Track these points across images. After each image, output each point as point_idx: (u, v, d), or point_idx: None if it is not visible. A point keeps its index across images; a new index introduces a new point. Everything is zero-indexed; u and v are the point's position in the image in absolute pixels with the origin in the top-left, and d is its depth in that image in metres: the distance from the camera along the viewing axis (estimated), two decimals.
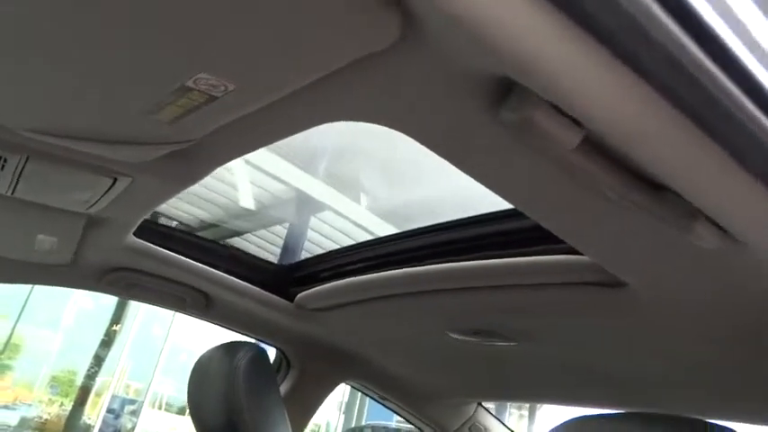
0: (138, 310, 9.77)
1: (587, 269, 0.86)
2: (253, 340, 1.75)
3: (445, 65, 0.54)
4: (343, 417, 11.10)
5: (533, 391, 1.61)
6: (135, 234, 1.30)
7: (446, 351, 1.46)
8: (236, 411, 1.28)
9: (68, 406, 9.56)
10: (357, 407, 10.52)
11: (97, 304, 9.96)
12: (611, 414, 0.80)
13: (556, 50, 0.47)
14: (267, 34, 0.53)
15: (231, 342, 1.45)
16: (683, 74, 0.48)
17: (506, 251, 1.01)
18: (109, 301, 9.59)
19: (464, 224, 1.12)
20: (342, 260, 1.45)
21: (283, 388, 1.78)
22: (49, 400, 9.80)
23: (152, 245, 1.38)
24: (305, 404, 1.80)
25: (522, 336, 1.18)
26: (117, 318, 9.86)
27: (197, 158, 0.82)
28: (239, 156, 0.80)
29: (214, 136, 0.73)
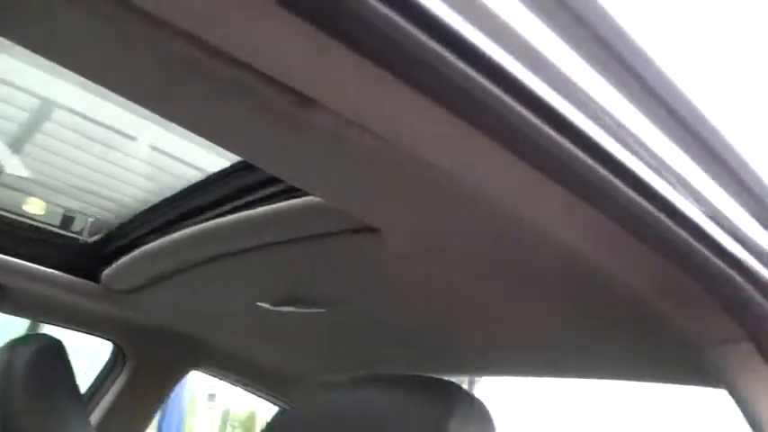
0: None
1: (334, 214, 0.69)
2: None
3: None
4: None
5: (380, 361, 1.45)
6: None
7: (282, 325, 1.28)
8: (11, 415, 1.08)
9: None
10: None
11: None
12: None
13: None
14: None
15: (19, 336, 1.25)
16: None
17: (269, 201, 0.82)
18: None
19: (225, 174, 0.92)
20: (145, 227, 1.22)
21: (120, 382, 1.57)
22: None
23: None
24: (145, 398, 1.58)
25: (324, 301, 1.00)
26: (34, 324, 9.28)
27: None
28: None
29: None
